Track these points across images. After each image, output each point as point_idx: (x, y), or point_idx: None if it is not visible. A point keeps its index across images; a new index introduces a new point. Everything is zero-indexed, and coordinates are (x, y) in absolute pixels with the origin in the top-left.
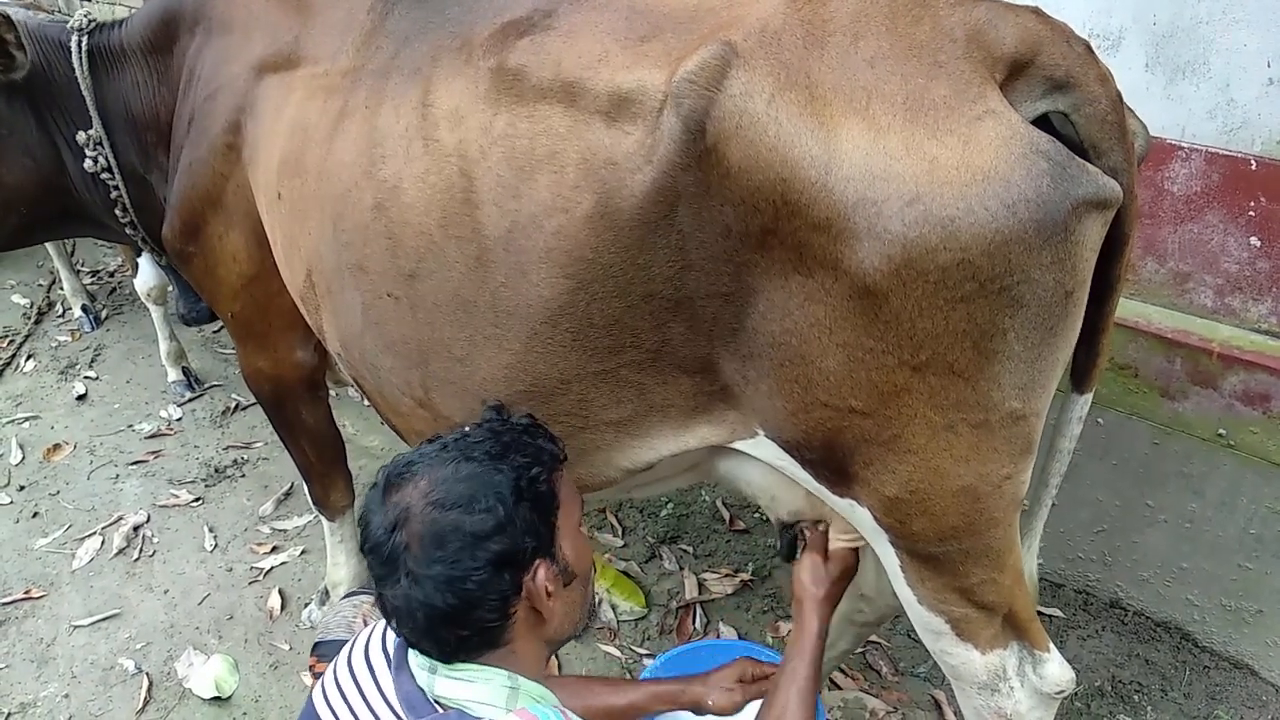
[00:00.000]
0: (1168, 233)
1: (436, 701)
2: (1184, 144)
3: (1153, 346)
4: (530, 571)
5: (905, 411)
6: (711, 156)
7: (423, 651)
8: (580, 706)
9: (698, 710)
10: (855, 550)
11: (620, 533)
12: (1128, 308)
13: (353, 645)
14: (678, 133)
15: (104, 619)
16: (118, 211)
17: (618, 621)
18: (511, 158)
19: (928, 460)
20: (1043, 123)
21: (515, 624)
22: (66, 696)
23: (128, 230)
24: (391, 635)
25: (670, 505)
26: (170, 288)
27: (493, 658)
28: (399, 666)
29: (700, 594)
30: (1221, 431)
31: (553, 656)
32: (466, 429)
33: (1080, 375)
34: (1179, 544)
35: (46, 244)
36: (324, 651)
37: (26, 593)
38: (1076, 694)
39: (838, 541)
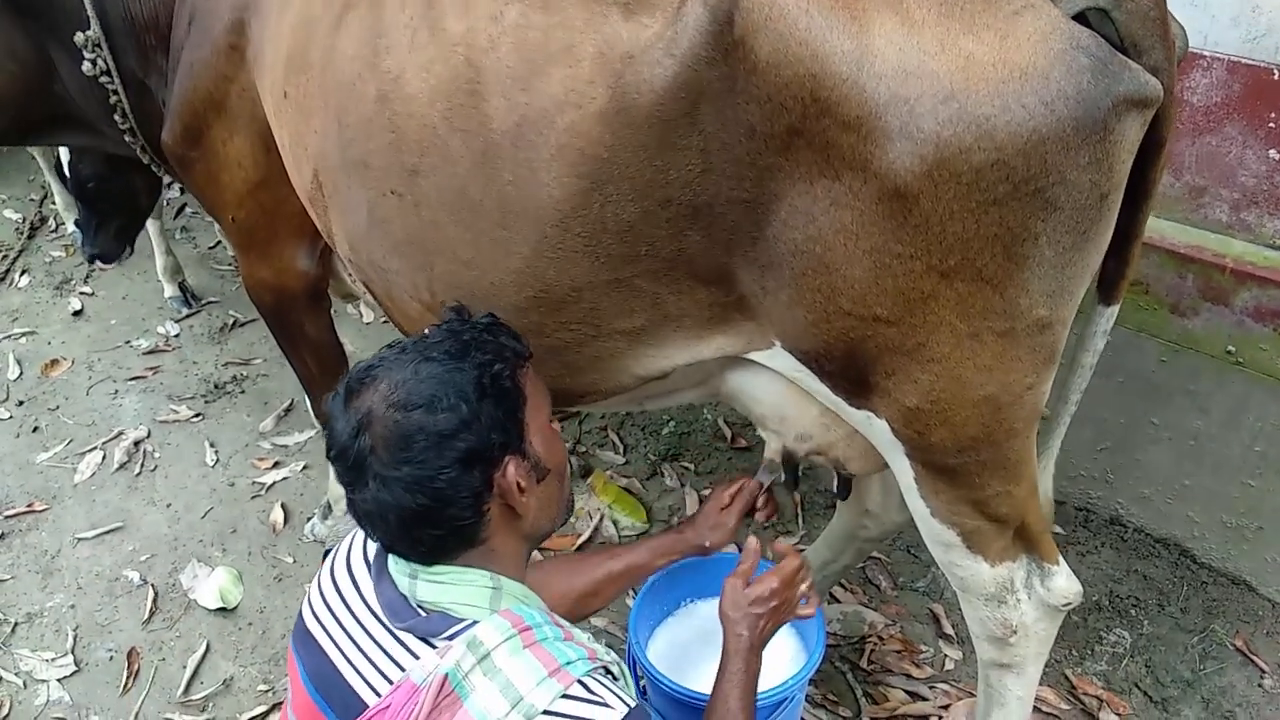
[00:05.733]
0: (1185, 145)
1: (420, 606)
2: (1205, 52)
3: (1164, 262)
4: (500, 468)
5: (931, 319)
6: (739, 50)
7: (399, 554)
8: (581, 582)
9: (699, 553)
10: (787, 576)
11: (622, 450)
12: None
13: (335, 554)
14: (704, 24)
15: (107, 532)
16: (116, 117)
17: (619, 537)
18: (522, 49)
19: (951, 369)
20: (1079, 21)
21: (490, 521)
22: (73, 607)
23: (126, 137)
24: (371, 543)
25: (672, 424)
26: (164, 202)
27: (472, 557)
28: (379, 573)
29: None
30: (1230, 348)
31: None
32: (426, 331)
33: (1108, 286)
34: (1182, 461)
35: (38, 158)
36: None
37: (29, 506)
38: (1073, 608)
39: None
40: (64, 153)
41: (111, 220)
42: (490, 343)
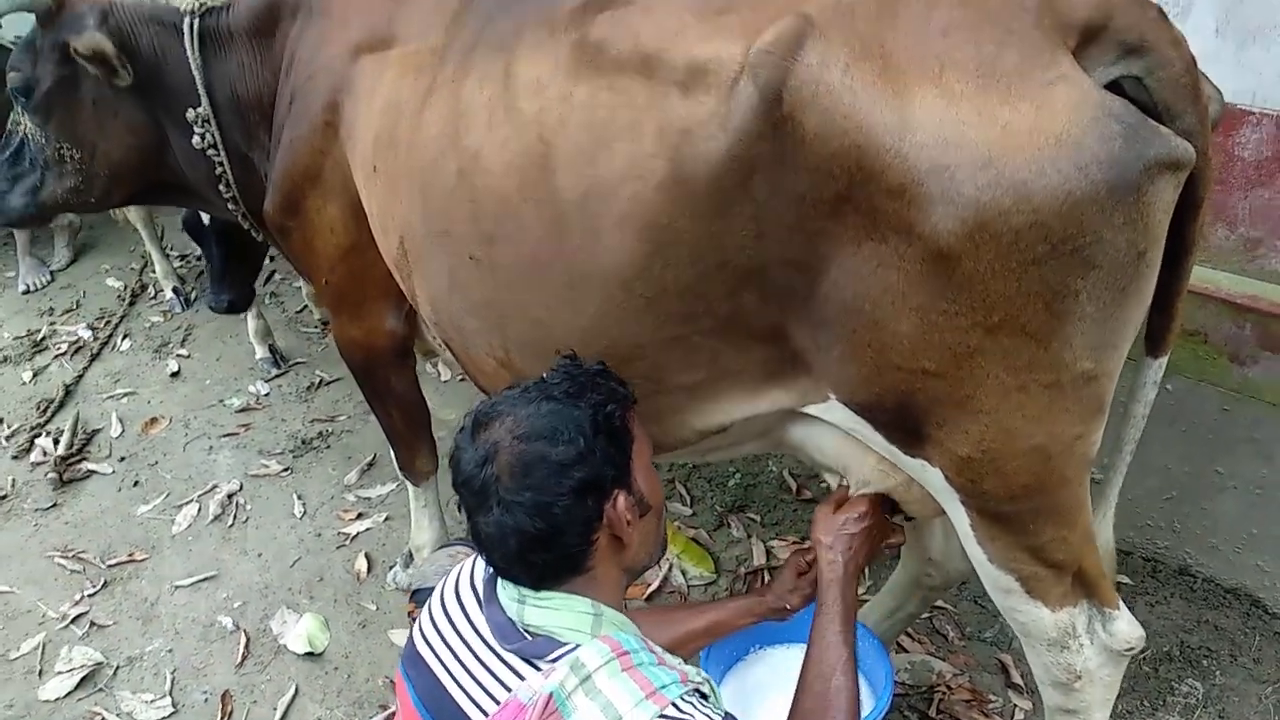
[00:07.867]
0: (1238, 199)
1: (526, 630)
2: (1255, 109)
3: (1222, 312)
4: (610, 499)
5: (978, 373)
6: (787, 125)
7: (512, 578)
8: (667, 635)
9: (778, 617)
10: (875, 500)
11: (689, 501)
12: (1196, 274)
13: (444, 584)
14: (754, 102)
15: (203, 580)
16: (221, 188)
17: (688, 586)
18: (590, 126)
19: (1000, 420)
20: (1114, 88)
21: (597, 550)
22: (170, 651)
23: (229, 206)
24: (479, 573)
25: (738, 475)
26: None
27: (576, 584)
28: (489, 600)
29: (768, 561)
30: None
31: None
32: (544, 374)
33: (1154, 339)
34: (1249, 510)
35: (139, 228)
36: (421, 598)
37: (130, 555)
38: (1145, 658)
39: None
40: None
41: (242, 266)
42: (603, 385)
